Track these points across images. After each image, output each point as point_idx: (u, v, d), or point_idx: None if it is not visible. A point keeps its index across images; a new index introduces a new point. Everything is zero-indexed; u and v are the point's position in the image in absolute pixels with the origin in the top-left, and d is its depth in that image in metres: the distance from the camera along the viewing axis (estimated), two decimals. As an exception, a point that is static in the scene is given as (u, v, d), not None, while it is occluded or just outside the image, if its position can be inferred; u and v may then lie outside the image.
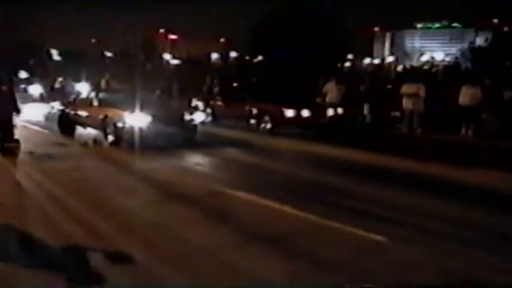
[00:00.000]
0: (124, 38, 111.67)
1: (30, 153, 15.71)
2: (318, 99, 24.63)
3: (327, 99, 24.74)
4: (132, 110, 17.18)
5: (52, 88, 42.06)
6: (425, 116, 22.36)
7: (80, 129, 20.30)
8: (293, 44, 38.08)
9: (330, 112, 22.62)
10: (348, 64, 64.61)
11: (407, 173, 13.84)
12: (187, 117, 18.74)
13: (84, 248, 7.59)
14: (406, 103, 22.71)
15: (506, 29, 57.10)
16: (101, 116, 18.02)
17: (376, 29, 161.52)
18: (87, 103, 19.87)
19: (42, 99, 35.83)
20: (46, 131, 21.68)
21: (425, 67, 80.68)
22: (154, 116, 17.25)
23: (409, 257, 7.46)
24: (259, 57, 51.82)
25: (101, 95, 20.23)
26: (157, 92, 28.37)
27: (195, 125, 18.81)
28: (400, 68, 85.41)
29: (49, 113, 25.09)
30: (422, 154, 16.47)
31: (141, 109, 17.27)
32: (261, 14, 44.28)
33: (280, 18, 41.13)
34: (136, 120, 16.97)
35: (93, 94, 20.36)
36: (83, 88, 31.38)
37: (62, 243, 7.83)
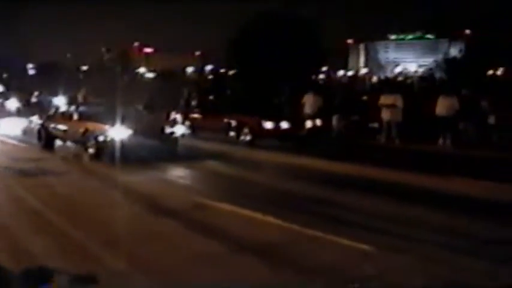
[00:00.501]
0: (99, 52, 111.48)
1: (8, 168, 15.64)
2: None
3: (305, 110, 24.95)
4: (113, 123, 17.14)
5: (28, 102, 41.87)
6: (403, 126, 22.53)
7: (59, 143, 20.23)
8: (268, 56, 38.21)
9: (309, 124, 22.72)
10: (322, 76, 64.88)
11: (387, 183, 13.94)
12: (168, 130, 18.75)
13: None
14: (384, 114, 22.88)
15: (478, 39, 57.71)
16: (81, 130, 17.96)
17: (350, 41, 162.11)
18: (66, 117, 19.79)
19: (19, 113, 35.68)
20: (25, 145, 21.57)
21: (400, 78, 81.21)
22: (134, 129, 17.22)
23: (397, 264, 7.56)
24: (234, 70, 51.96)
25: (80, 108, 20.14)
26: (140, 106, 28.29)
27: (176, 138, 18.80)
28: (374, 79, 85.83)
29: (27, 127, 24.95)
30: (401, 164, 16.63)
31: (122, 122, 17.24)
32: (237, 27, 44.38)
33: (255, 31, 41.24)
34: (117, 133, 16.94)
35: (72, 108, 20.27)
36: (60, 102, 31.27)
37: (44, 257, 7.85)
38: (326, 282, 6.98)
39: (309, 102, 25.37)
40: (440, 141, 21.65)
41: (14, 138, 23.39)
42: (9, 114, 33.83)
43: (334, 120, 25.00)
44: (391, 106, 22.69)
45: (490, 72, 47.01)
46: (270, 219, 9.92)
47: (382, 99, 23.28)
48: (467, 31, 73.25)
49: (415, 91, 35.04)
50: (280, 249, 8.28)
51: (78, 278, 6.69)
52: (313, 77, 45.82)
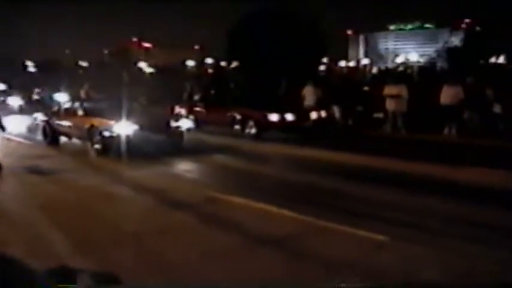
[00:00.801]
0: (98, 47, 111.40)
1: (16, 166, 15.64)
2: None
3: (305, 102, 25.04)
4: (118, 119, 17.11)
5: (30, 99, 41.87)
6: (408, 116, 22.51)
7: (64, 140, 20.20)
8: (269, 48, 38.16)
9: (314, 115, 22.66)
10: (323, 67, 64.82)
11: (396, 173, 13.92)
12: (173, 124, 18.71)
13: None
14: (389, 104, 22.86)
15: (478, 28, 57.66)
16: (86, 126, 17.90)
17: (350, 31, 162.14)
18: (71, 113, 19.75)
19: (21, 110, 35.69)
20: (30, 143, 21.51)
21: (400, 68, 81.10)
22: (140, 124, 17.19)
23: (414, 254, 7.57)
24: (235, 63, 51.91)
25: (85, 104, 20.08)
26: (144, 101, 28.20)
27: (182, 132, 18.76)
28: (375, 70, 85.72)
29: (32, 124, 24.90)
30: (408, 154, 16.59)
31: (127, 117, 17.21)
32: (237, 19, 44.32)
33: (254, 23, 41.17)
34: (123, 128, 16.91)
35: (77, 104, 20.19)
36: (61, 98, 31.20)
37: (64, 252, 7.85)
38: (346, 274, 6.97)
39: (308, 94, 25.45)
40: (446, 130, 21.61)
41: (19, 135, 23.31)
42: (11, 111, 33.85)
43: (337, 112, 24.95)
44: (396, 96, 22.66)
45: (492, 60, 47.01)
46: (285, 211, 9.91)
47: (386, 89, 23.23)
48: (467, 20, 73.17)
49: (416, 81, 34.96)
50: (296, 241, 8.28)
51: (100, 278, 6.72)
52: (314, 68, 45.79)
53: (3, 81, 52.64)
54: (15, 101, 39.90)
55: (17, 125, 25.80)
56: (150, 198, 11.61)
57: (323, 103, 24.46)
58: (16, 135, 23.01)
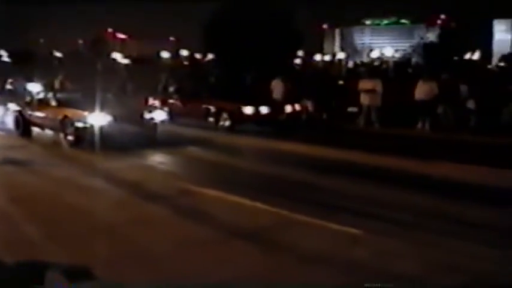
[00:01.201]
0: (73, 38, 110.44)
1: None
2: None
3: (273, 95, 25.07)
4: (92, 110, 16.97)
5: (3, 89, 41.38)
6: (382, 110, 22.60)
7: (37, 130, 20.02)
8: (244, 40, 38.14)
9: (288, 109, 22.65)
10: (298, 61, 64.89)
11: (369, 167, 13.95)
12: (147, 116, 18.60)
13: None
14: (364, 99, 22.92)
15: (453, 24, 58.01)
16: (60, 117, 17.73)
17: (325, 26, 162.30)
18: (44, 103, 19.55)
19: (-5, 100, 35.24)
20: (2, 133, 21.29)
21: (376, 63, 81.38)
22: (114, 116, 17.08)
23: (387, 248, 7.61)
24: (210, 55, 51.87)
25: (58, 95, 19.88)
26: (112, 91, 28.02)
27: (156, 124, 18.65)
28: (350, 64, 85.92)
29: (4, 114, 24.61)
30: (381, 148, 16.60)
31: (101, 108, 17.08)
32: (212, 12, 44.25)
33: (230, 15, 41.14)
34: (97, 119, 16.78)
35: (50, 94, 19.99)
36: (35, 89, 30.90)
37: (37, 244, 7.80)
38: (321, 268, 6.98)
39: (277, 87, 25.47)
40: (419, 125, 21.73)
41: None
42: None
43: (310, 105, 24.95)
44: (371, 91, 22.73)
45: (467, 56, 47.38)
46: (258, 204, 9.91)
47: (361, 84, 23.31)
48: (443, 16, 73.59)
49: (391, 76, 35.12)
50: (270, 234, 8.29)
51: (72, 272, 6.65)
52: (289, 61, 45.83)
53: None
54: None
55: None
56: (123, 190, 11.57)
57: (291, 96, 24.47)
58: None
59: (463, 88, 21.36)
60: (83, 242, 7.95)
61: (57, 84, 30.15)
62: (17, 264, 6.99)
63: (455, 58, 37.78)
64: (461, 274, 6.79)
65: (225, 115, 22.05)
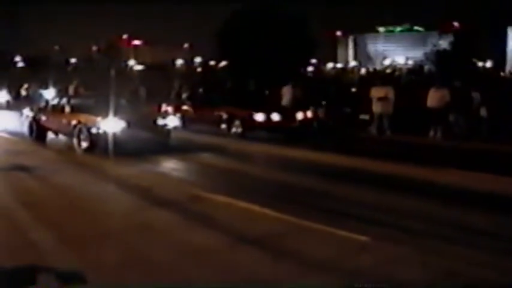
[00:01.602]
0: (87, 44, 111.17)
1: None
2: None
3: (282, 102, 25.25)
4: (106, 116, 17.12)
5: (18, 95, 41.70)
6: (394, 118, 22.63)
7: (51, 136, 20.17)
8: (257, 48, 38.24)
9: (300, 116, 22.72)
10: (311, 68, 64.96)
11: (380, 175, 14.01)
12: (160, 122, 18.72)
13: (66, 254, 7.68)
14: (376, 106, 22.96)
15: (467, 32, 57.91)
16: (73, 122, 17.89)
17: (339, 33, 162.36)
18: (58, 109, 19.71)
19: (8, 106, 35.52)
20: (16, 138, 21.47)
21: (388, 70, 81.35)
22: (127, 122, 17.21)
23: (395, 255, 7.64)
24: (223, 63, 52.01)
25: (72, 101, 20.03)
26: (126, 97, 28.16)
27: (169, 130, 18.76)
28: (363, 71, 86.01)
29: (19, 120, 24.78)
30: (393, 156, 16.67)
31: (114, 114, 17.22)
32: (225, 19, 44.39)
33: (244, 23, 41.24)
34: (110, 125, 16.92)
35: (64, 100, 20.14)
36: (49, 94, 31.14)
37: (44, 249, 7.90)
38: (327, 275, 7.04)
39: (286, 94, 25.63)
40: (431, 133, 21.74)
41: (5, 131, 23.26)
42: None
43: (321, 112, 25.02)
44: (383, 98, 22.78)
45: (480, 64, 47.29)
46: (267, 211, 9.95)
47: (373, 91, 23.35)
48: (456, 23, 73.47)
49: (403, 83, 35.14)
50: (279, 241, 8.33)
51: (65, 276, 6.74)
52: (302, 69, 45.89)
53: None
54: (2, 97, 39.72)
55: (4, 120, 25.75)
56: (134, 195, 11.65)
57: (301, 103, 24.61)
58: (2, 131, 23.00)
59: (476, 96, 21.35)
60: (90, 247, 8.02)
61: (71, 90, 30.36)
62: (10, 267, 7.09)
63: (468, 66, 37.65)
64: (467, 281, 6.83)
65: (237, 122, 22.17)
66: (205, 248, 7.97)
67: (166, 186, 12.62)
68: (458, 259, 7.45)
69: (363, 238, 8.30)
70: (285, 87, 26.09)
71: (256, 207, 10.23)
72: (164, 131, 18.53)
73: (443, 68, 39.29)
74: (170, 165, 15.94)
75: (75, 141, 17.81)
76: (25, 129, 21.35)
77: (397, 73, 62.36)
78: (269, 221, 9.48)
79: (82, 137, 17.47)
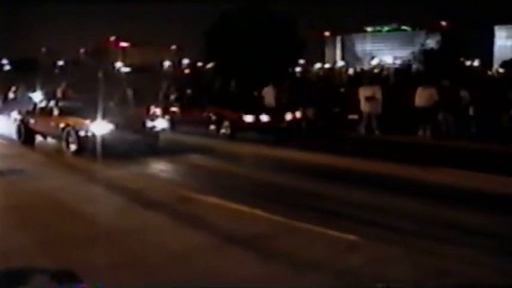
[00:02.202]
0: (75, 46, 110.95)
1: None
2: None
3: (265, 102, 25.41)
4: (94, 118, 17.08)
5: (6, 98, 41.46)
6: (382, 118, 22.69)
7: (39, 139, 20.10)
8: (244, 48, 38.29)
9: (289, 116, 22.73)
10: (298, 69, 65.05)
11: (370, 174, 14.02)
12: (149, 124, 18.69)
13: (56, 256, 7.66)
14: (364, 106, 23.03)
15: (454, 31, 58.12)
16: (62, 125, 17.82)
17: (327, 33, 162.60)
18: (46, 112, 19.64)
19: (-2, 109, 35.31)
20: (4, 142, 21.38)
21: (376, 70, 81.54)
22: (116, 124, 17.18)
23: (385, 254, 7.66)
24: (211, 64, 52.03)
25: (60, 103, 19.94)
26: (114, 99, 28.08)
27: (157, 132, 18.75)
28: (351, 71, 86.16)
29: (8, 123, 24.64)
30: (383, 155, 16.70)
31: (103, 117, 17.19)
32: (213, 20, 44.43)
33: (231, 23, 41.31)
34: (99, 128, 16.88)
35: (52, 103, 20.06)
36: (37, 97, 30.98)
37: (33, 252, 7.88)
38: (316, 275, 7.04)
39: (268, 95, 25.73)
40: (420, 132, 21.81)
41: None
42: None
43: (310, 113, 25.04)
44: (371, 98, 22.84)
45: (468, 63, 47.46)
46: (257, 211, 9.96)
47: (361, 91, 23.42)
48: (443, 22, 73.71)
49: (391, 83, 35.24)
50: (269, 241, 8.32)
51: (59, 276, 6.74)
52: (290, 69, 45.97)
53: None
54: None
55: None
56: (123, 197, 11.64)
57: (283, 104, 24.87)
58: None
59: (464, 94, 21.42)
60: (79, 248, 8.00)
61: (59, 93, 30.20)
62: (4, 269, 7.07)
63: (456, 64, 37.78)
64: (458, 280, 6.84)
65: (225, 123, 22.15)
66: (194, 249, 7.96)
67: (155, 188, 12.60)
68: (448, 258, 7.46)
69: (353, 238, 8.31)
70: (266, 88, 26.28)
71: (245, 208, 10.23)
72: (153, 133, 18.50)
73: (431, 67, 39.40)
74: (159, 167, 15.90)
75: (63, 144, 17.75)
76: (13, 132, 21.26)
77: (385, 73, 62.45)
78: (259, 222, 9.48)
79: (70, 139, 17.41)
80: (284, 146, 19.08)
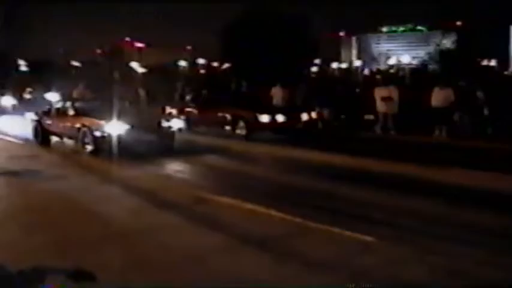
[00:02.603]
0: (91, 47, 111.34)
1: (6, 165, 15.66)
2: None
3: (273, 102, 25.66)
4: (110, 119, 17.15)
5: (22, 98, 41.71)
6: (398, 118, 22.64)
7: (55, 140, 20.19)
8: (261, 49, 38.32)
9: (304, 117, 22.70)
10: (315, 69, 65.00)
11: (386, 175, 13.99)
12: (164, 124, 18.73)
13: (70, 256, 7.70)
14: (380, 106, 23.00)
15: (470, 31, 57.89)
16: (78, 126, 17.92)
17: (342, 33, 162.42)
18: (62, 113, 19.72)
19: (14, 110, 35.55)
20: (21, 142, 21.51)
21: (392, 70, 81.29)
22: (132, 124, 17.23)
23: (400, 255, 7.62)
24: (227, 64, 52.10)
25: (76, 104, 20.01)
26: (129, 99, 28.16)
27: (173, 132, 18.79)
28: (367, 71, 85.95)
29: (25, 123, 24.78)
30: (398, 156, 16.66)
31: (118, 117, 17.25)
32: (229, 20, 44.51)
33: (247, 24, 41.35)
34: (115, 128, 16.94)
35: (68, 103, 20.13)
36: (53, 98, 31.12)
37: (49, 252, 7.92)
38: (331, 276, 7.03)
39: (276, 95, 25.84)
40: (436, 132, 21.73)
41: (8, 134, 23.33)
42: (4, 111, 33.75)
43: (326, 113, 25.05)
44: (387, 98, 22.80)
45: (484, 63, 47.26)
46: (273, 212, 9.95)
47: (377, 91, 23.39)
48: (459, 22, 73.40)
49: (407, 83, 35.10)
50: (284, 241, 8.33)
51: (76, 276, 6.78)
52: (305, 69, 45.97)
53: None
54: (8, 101, 39.74)
55: (9, 124, 25.81)
56: (138, 198, 11.67)
57: (291, 104, 25.32)
58: (8, 135, 23.07)
59: (480, 95, 21.32)
60: (94, 249, 8.05)
61: (76, 94, 30.34)
62: (22, 269, 7.11)
63: (472, 64, 37.62)
64: (472, 282, 6.81)
65: (241, 123, 22.16)
66: (209, 249, 7.97)
67: (170, 188, 12.63)
68: (464, 259, 7.42)
69: (368, 238, 8.28)
70: (274, 88, 26.37)
71: (261, 209, 10.23)
72: (169, 133, 18.54)
73: (447, 67, 39.25)
74: (174, 167, 15.95)
75: (79, 144, 17.85)
76: (29, 133, 21.37)
77: (400, 73, 62.29)
78: (274, 222, 9.48)
79: (86, 140, 17.51)
80: (300, 147, 19.04)
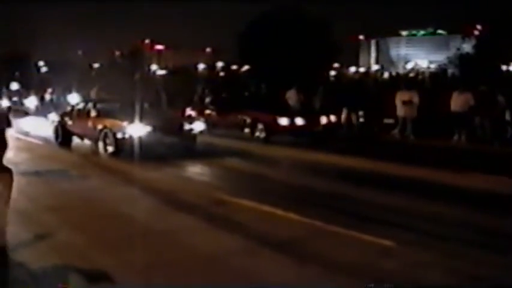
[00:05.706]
0: (110, 49, 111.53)
1: (28, 166, 15.80)
2: None
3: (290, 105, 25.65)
4: (131, 120, 17.27)
5: (42, 99, 41.97)
6: (417, 122, 22.64)
7: (76, 141, 20.34)
8: (279, 52, 38.29)
9: (324, 120, 22.73)
10: (333, 73, 64.90)
11: (405, 179, 14.01)
12: (186, 126, 18.83)
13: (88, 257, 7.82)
14: (400, 110, 23.01)
15: (490, 35, 57.51)
16: (99, 127, 18.04)
17: (361, 37, 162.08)
18: (84, 114, 19.88)
19: (37, 111, 35.78)
20: (42, 143, 21.68)
21: (411, 74, 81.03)
22: (153, 126, 17.35)
23: (419, 259, 7.64)
24: (246, 67, 52.09)
25: (98, 105, 20.14)
26: (149, 101, 28.25)
27: (195, 135, 18.89)
28: (386, 75, 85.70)
29: (46, 124, 24.95)
30: (418, 160, 16.67)
31: (139, 119, 17.37)
32: (247, 22, 44.49)
33: (266, 26, 41.32)
34: (136, 130, 17.07)
35: (90, 105, 20.27)
36: (74, 99, 31.34)
37: (67, 251, 8.04)
38: (351, 279, 7.08)
39: (292, 98, 25.89)
40: (455, 137, 21.71)
41: (32, 136, 23.52)
42: (26, 112, 33.97)
43: (345, 117, 25.05)
44: (408, 102, 22.82)
45: (504, 67, 46.96)
46: (291, 215, 10.01)
47: (398, 95, 23.39)
48: (479, 26, 72.98)
49: (427, 87, 35.00)
50: (303, 244, 8.37)
51: (93, 277, 6.87)
52: (325, 73, 45.92)
53: (16, 81, 52.82)
54: (31, 102, 39.99)
55: (33, 125, 26.02)
56: (159, 199, 11.73)
57: (307, 106, 25.46)
58: (28, 135, 23.27)
59: (501, 99, 21.26)
60: (113, 249, 8.17)
61: (93, 95, 30.57)
62: (40, 268, 7.21)
63: (492, 69, 37.41)
64: (491, 286, 6.85)
65: (260, 126, 22.22)
66: (228, 251, 8.04)
67: (190, 190, 12.71)
68: (483, 263, 7.46)
69: (388, 243, 8.31)
70: (289, 92, 26.47)
71: (280, 211, 10.29)
72: (190, 135, 18.64)
73: (466, 71, 39.08)
74: (194, 170, 16.04)
75: (100, 145, 17.96)
76: (50, 133, 21.55)
77: (420, 77, 62.06)
78: (293, 225, 9.53)
79: (108, 141, 17.63)
80: (319, 150, 19.08)
